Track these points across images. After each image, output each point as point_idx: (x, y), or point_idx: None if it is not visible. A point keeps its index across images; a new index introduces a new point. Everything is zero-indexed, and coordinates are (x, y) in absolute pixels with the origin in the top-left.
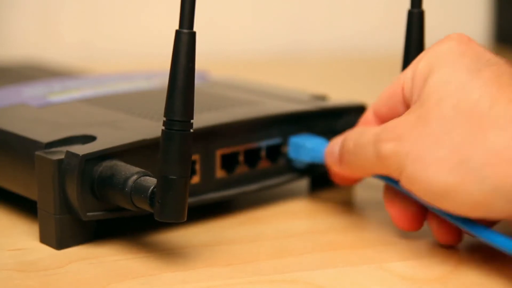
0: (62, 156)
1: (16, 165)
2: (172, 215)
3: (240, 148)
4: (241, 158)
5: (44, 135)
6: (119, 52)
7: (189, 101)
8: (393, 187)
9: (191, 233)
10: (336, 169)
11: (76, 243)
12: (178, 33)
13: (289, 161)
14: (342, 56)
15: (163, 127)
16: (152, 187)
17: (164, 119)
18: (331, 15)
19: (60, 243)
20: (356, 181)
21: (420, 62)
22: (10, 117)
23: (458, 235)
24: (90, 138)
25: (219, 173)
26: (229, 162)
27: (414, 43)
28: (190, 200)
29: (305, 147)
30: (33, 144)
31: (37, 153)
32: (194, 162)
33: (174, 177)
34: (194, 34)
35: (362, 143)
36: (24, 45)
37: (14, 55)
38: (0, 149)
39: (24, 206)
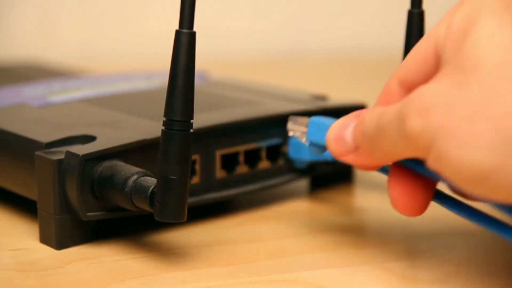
0: (62, 156)
1: (16, 165)
2: (172, 215)
3: (240, 148)
4: (241, 158)
5: (44, 135)
6: (119, 52)
7: (189, 101)
8: (402, 167)
9: (191, 233)
10: (350, 159)
11: (76, 243)
12: (178, 33)
13: (289, 162)
14: (342, 56)
15: (163, 127)
16: (152, 187)
17: (164, 119)
18: (331, 15)
19: (60, 243)
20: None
21: (456, 13)
22: (10, 117)
23: (422, 205)
24: (90, 138)
25: (219, 173)
26: (229, 162)
27: (414, 43)
28: (190, 200)
29: (306, 145)
30: (33, 144)
31: (37, 153)
32: (194, 162)
33: (174, 177)
34: (194, 34)
35: (384, 123)
36: (24, 45)
37: (14, 55)
38: (0, 149)
39: (24, 206)
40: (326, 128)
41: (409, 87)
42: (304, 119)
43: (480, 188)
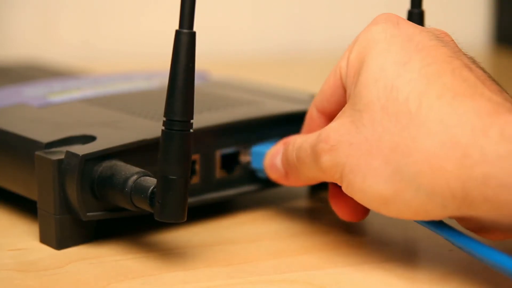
0: (62, 156)
1: (16, 165)
2: (172, 215)
3: (240, 148)
4: (241, 158)
5: (44, 135)
6: (119, 52)
7: (189, 101)
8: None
9: (191, 233)
10: (284, 182)
11: (76, 243)
12: (178, 33)
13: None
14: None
15: (163, 127)
16: (152, 187)
17: (164, 119)
18: (331, 15)
19: (60, 243)
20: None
21: (351, 52)
22: (10, 117)
23: (362, 212)
24: (90, 138)
25: (219, 173)
26: (229, 162)
27: None
28: (190, 200)
29: None
30: (33, 144)
31: (37, 153)
32: (194, 162)
33: (174, 177)
34: (194, 34)
35: (302, 156)
36: (24, 45)
37: (14, 55)
38: (0, 149)
39: (24, 206)
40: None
41: (326, 114)
42: None
43: (387, 210)
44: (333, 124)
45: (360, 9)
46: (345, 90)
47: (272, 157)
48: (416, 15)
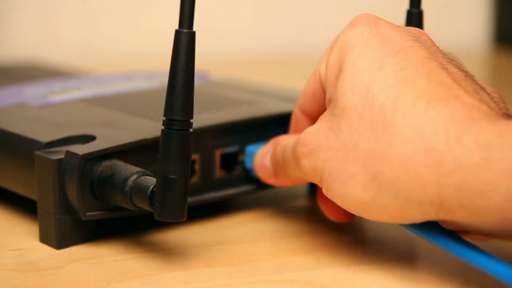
0: (62, 156)
1: (16, 165)
2: (172, 215)
3: (240, 148)
4: (240, 158)
5: (44, 135)
6: (119, 52)
7: (188, 100)
8: None
9: (191, 233)
10: (273, 182)
11: (76, 243)
12: (177, 33)
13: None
14: None
15: (163, 127)
16: (151, 187)
17: (164, 118)
18: (331, 15)
19: (60, 243)
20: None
21: (330, 55)
22: (10, 117)
23: (350, 213)
24: (90, 138)
25: (219, 173)
26: (228, 161)
27: None
28: (190, 199)
29: None
30: (33, 144)
31: (37, 152)
32: (193, 162)
33: (174, 177)
34: (193, 34)
35: (286, 158)
36: (24, 45)
37: (14, 55)
38: (0, 149)
39: (24, 206)
40: None
41: (309, 115)
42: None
43: (367, 214)
44: (311, 128)
45: (360, 10)
46: (325, 92)
47: (262, 157)
48: (415, 15)
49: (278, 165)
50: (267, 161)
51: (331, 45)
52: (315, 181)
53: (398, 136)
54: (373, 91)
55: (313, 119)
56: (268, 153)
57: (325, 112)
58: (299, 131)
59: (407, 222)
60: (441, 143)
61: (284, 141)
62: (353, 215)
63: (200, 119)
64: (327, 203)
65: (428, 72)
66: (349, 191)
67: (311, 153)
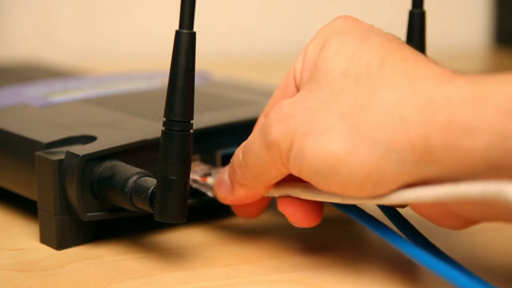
0: (62, 157)
1: (17, 165)
2: (172, 216)
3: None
4: None
5: (44, 135)
6: (119, 52)
7: (189, 101)
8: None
9: (191, 233)
10: (231, 197)
11: (76, 244)
12: (178, 34)
13: None
14: None
15: (163, 128)
16: (152, 188)
17: (164, 119)
18: (331, 16)
19: (60, 244)
20: (260, 205)
21: (309, 45)
22: (11, 117)
23: (314, 217)
24: (90, 139)
25: None
26: (229, 162)
27: (415, 43)
28: (190, 200)
29: None
30: (34, 144)
31: (37, 153)
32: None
33: (174, 178)
34: (194, 34)
35: (249, 145)
36: (24, 45)
37: (14, 55)
38: (1, 149)
39: (24, 206)
40: None
41: None
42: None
43: (333, 180)
44: (286, 99)
45: (360, 10)
46: (297, 90)
47: (220, 176)
48: (417, 15)
49: (237, 166)
50: (225, 176)
51: (308, 43)
52: (282, 156)
53: (385, 83)
54: (359, 54)
55: None
56: (226, 170)
57: (300, 89)
58: None
59: (376, 190)
60: (431, 85)
61: (240, 146)
62: (315, 219)
63: (201, 119)
64: (289, 208)
65: (412, 50)
66: (323, 145)
67: (285, 118)
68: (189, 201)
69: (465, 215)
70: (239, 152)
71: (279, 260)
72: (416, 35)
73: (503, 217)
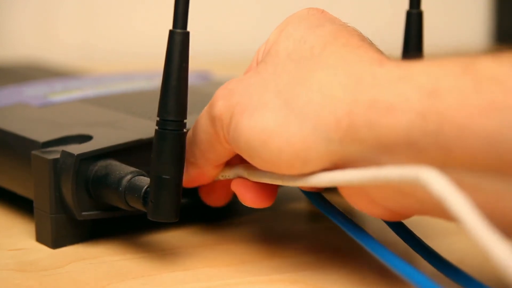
0: (57, 156)
1: (14, 164)
2: (165, 215)
3: None
4: None
5: (41, 135)
6: (119, 52)
7: (182, 101)
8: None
9: (190, 233)
10: (184, 177)
11: (72, 243)
12: (171, 33)
13: None
14: None
15: (157, 127)
16: (145, 187)
17: (158, 118)
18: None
19: (55, 242)
20: (223, 192)
21: (272, 32)
22: (9, 116)
23: (266, 198)
24: (86, 138)
25: None
26: None
27: (413, 44)
28: (190, 201)
29: None
30: (30, 143)
31: (33, 152)
32: None
33: (167, 177)
34: (187, 34)
35: (198, 121)
36: (24, 45)
37: (14, 55)
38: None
39: (24, 206)
40: None
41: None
42: None
43: (264, 155)
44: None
45: (359, 10)
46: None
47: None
48: (415, 15)
49: (188, 145)
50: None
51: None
52: (224, 130)
53: (322, 64)
54: (306, 38)
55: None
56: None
57: None
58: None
59: (307, 161)
60: (363, 67)
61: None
62: (268, 200)
63: None
64: (242, 188)
65: (362, 38)
66: (257, 119)
67: (230, 93)
68: (183, 200)
69: (386, 205)
70: (190, 130)
71: (279, 260)
72: (413, 35)
73: (424, 209)
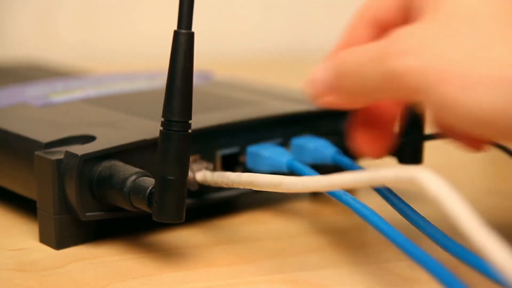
0: (61, 156)
1: (16, 165)
2: (170, 216)
3: (241, 148)
4: (242, 159)
5: (44, 135)
6: (119, 52)
7: (187, 101)
8: (364, 113)
9: (191, 233)
10: (327, 98)
11: (76, 243)
12: (176, 34)
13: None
14: None
15: (161, 128)
16: (150, 188)
17: (162, 119)
18: (332, 15)
19: (59, 243)
20: (382, 143)
21: None
22: (11, 116)
23: (383, 146)
24: (89, 138)
25: None
26: (229, 162)
27: None
28: (190, 201)
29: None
30: (33, 144)
31: (36, 153)
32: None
33: (172, 178)
34: (192, 34)
35: (364, 61)
36: (24, 45)
37: (14, 55)
38: (1, 148)
39: (24, 206)
40: (259, 156)
41: (383, 27)
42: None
43: (491, 131)
44: (410, 26)
45: None
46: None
47: (314, 72)
48: None
49: (344, 73)
50: (323, 73)
51: None
52: (406, 91)
53: None
54: None
55: (381, 31)
56: (327, 66)
57: (423, 14)
58: (356, 42)
59: None
60: None
61: (351, 49)
62: (385, 150)
63: (202, 119)
64: (362, 135)
65: None
66: (477, 97)
67: (414, 50)
68: (190, 201)
69: None
70: (347, 60)
71: (279, 260)
72: None
73: None
